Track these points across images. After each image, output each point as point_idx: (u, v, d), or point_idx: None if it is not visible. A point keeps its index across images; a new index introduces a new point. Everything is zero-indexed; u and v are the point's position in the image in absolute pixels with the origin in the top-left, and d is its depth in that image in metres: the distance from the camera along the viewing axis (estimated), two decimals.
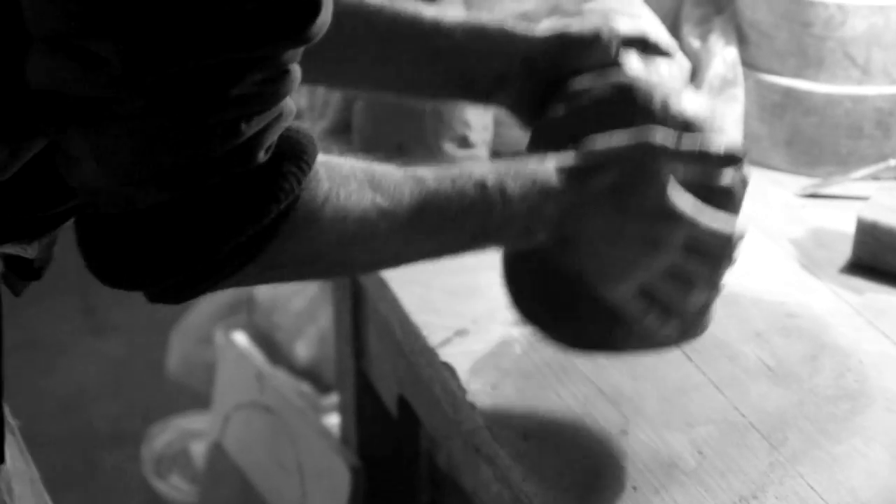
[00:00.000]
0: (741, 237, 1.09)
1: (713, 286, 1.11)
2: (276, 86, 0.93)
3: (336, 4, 1.05)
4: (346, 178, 1.01)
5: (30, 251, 1.10)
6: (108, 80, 0.89)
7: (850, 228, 1.47)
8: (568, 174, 1.07)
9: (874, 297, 1.40)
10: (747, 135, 1.67)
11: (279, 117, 0.95)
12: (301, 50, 0.94)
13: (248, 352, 2.31)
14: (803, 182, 1.63)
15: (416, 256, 1.09)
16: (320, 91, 1.70)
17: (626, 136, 1.08)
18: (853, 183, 1.61)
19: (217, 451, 2.32)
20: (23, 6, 0.90)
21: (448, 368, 1.29)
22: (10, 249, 1.09)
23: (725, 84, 1.65)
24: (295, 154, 0.96)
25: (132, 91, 0.89)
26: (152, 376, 2.89)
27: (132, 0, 0.87)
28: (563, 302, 1.14)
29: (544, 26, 1.22)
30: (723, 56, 1.66)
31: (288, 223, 0.97)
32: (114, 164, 0.92)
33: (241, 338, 2.37)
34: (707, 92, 1.65)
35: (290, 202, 0.96)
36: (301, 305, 2.51)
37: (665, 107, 1.12)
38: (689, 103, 1.13)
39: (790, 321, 1.36)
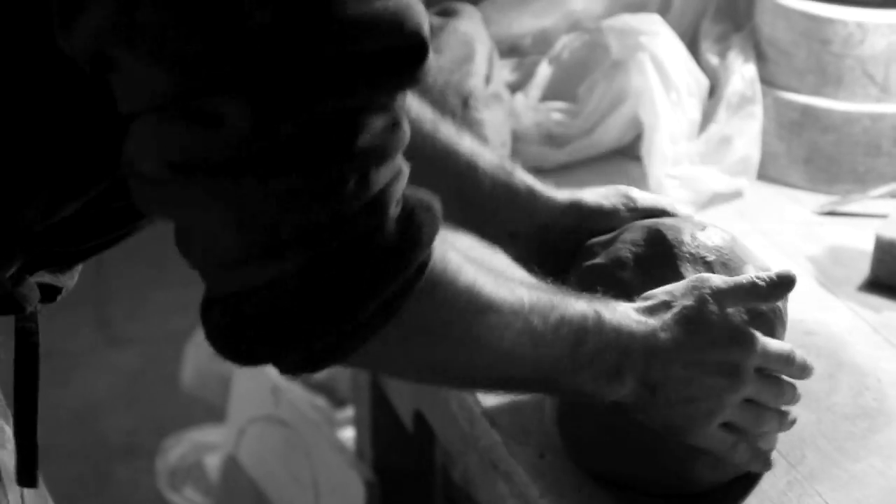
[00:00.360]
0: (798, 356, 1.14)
1: (784, 405, 1.15)
2: (394, 135, 0.92)
3: None
4: (470, 258, 1.01)
5: (62, 279, 1.11)
6: (237, 139, 0.87)
7: (868, 246, 1.47)
8: (643, 312, 1.10)
9: (892, 315, 1.40)
10: (765, 152, 1.67)
11: (400, 172, 0.93)
12: (406, 100, 0.93)
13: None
14: (821, 199, 1.63)
15: (522, 367, 1.06)
16: None
17: (681, 285, 1.11)
18: (871, 201, 1.61)
19: (232, 465, 2.32)
20: (128, 78, 0.89)
21: None
22: (45, 278, 1.10)
23: (744, 101, 1.65)
24: (423, 205, 0.95)
25: (262, 148, 0.87)
26: (167, 389, 2.89)
27: (256, 54, 0.86)
28: (639, 453, 1.13)
29: (564, 195, 1.24)
30: (741, 73, 1.66)
31: (424, 279, 0.95)
32: (256, 230, 0.90)
33: None
34: (725, 109, 1.65)
35: (425, 260, 0.94)
36: None
37: (694, 244, 1.16)
38: (713, 238, 1.17)
39: (808, 339, 1.35)
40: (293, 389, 2.30)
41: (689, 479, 1.13)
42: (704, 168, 1.62)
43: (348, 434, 2.15)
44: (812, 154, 1.65)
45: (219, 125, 0.87)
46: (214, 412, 2.64)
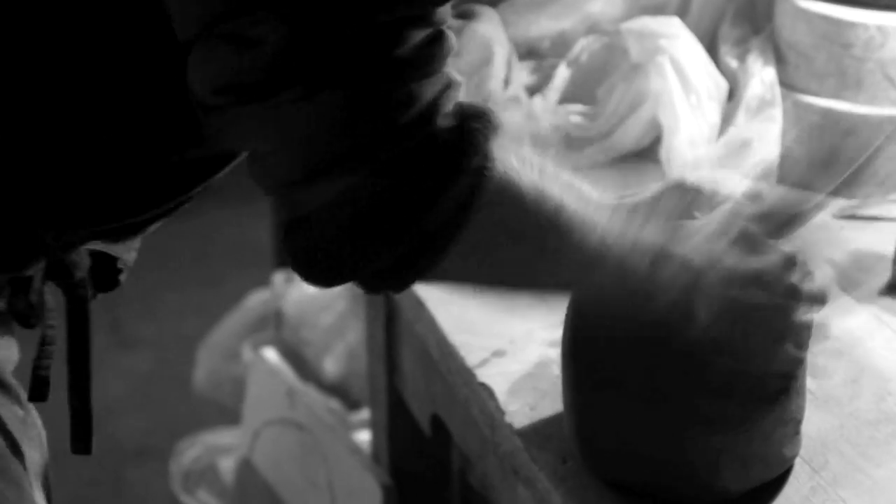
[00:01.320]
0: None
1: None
2: (436, 48, 0.93)
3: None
4: (535, 162, 1.00)
5: (117, 249, 1.12)
6: (274, 59, 0.89)
7: (890, 250, 1.46)
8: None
9: None
10: (785, 156, 1.66)
11: (449, 85, 0.94)
12: (448, 9, 0.94)
13: (278, 368, 2.31)
14: (841, 204, 1.62)
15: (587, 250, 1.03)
16: None
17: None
18: (892, 204, 1.60)
19: (246, 468, 2.32)
20: (174, 4, 0.91)
21: (486, 389, 1.29)
22: (97, 246, 1.11)
23: (763, 105, 1.64)
24: (476, 115, 0.95)
25: (300, 65, 0.89)
26: (179, 391, 2.89)
27: None
28: (660, 464, 1.12)
29: None
30: (761, 77, 1.65)
31: (486, 186, 0.95)
32: (309, 149, 0.92)
33: (271, 354, 2.37)
34: (744, 112, 1.65)
35: (483, 163, 0.94)
36: (329, 321, 2.51)
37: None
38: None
39: (830, 344, 1.34)
40: (308, 392, 2.29)
41: (713, 488, 1.12)
42: (724, 172, 1.61)
43: (364, 437, 2.14)
44: (832, 158, 1.64)
45: (255, 46, 0.88)
46: (227, 414, 2.64)
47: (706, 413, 1.09)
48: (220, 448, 2.64)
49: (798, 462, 1.18)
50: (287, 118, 0.90)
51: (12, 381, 1.18)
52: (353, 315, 2.46)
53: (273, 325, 2.67)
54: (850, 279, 1.47)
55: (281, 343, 2.55)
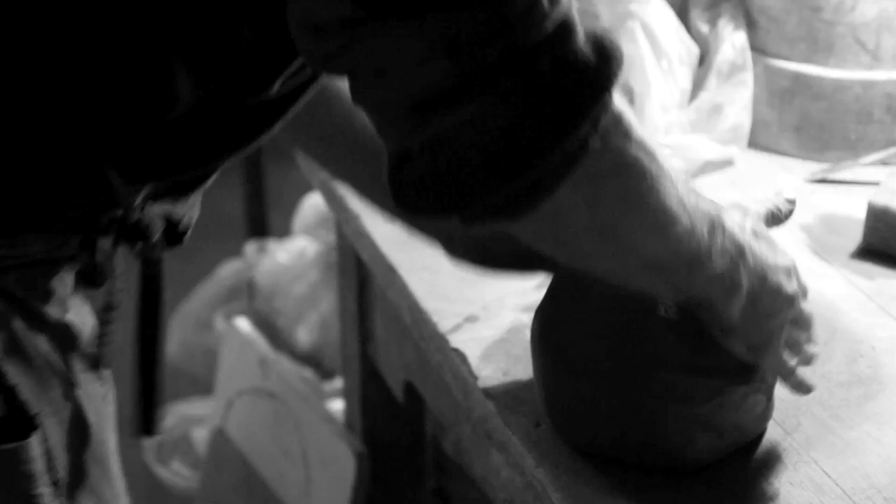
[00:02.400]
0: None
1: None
2: None
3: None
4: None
5: (179, 209, 1.10)
6: None
7: (861, 214, 1.46)
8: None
9: (885, 282, 1.40)
10: (756, 120, 1.66)
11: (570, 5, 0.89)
12: None
13: (251, 338, 2.31)
14: (812, 167, 1.63)
15: (675, 236, 0.99)
16: None
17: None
18: (863, 168, 1.60)
19: (220, 437, 2.31)
20: None
21: (459, 354, 1.28)
22: (164, 207, 1.09)
23: (734, 69, 1.64)
24: (610, 43, 0.89)
25: None
26: None
27: None
28: (633, 438, 1.12)
29: None
30: (731, 41, 1.65)
31: (607, 119, 0.90)
32: (463, 58, 0.85)
33: (243, 324, 2.36)
34: (716, 77, 1.64)
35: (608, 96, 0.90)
36: (302, 290, 2.51)
37: None
38: None
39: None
40: (281, 361, 2.29)
41: (687, 458, 1.13)
42: (695, 136, 1.61)
43: (337, 406, 2.14)
44: (803, 122, 1.65)
45: None
46: (200, 385, 2.63)
47: (676, 389, 1.09)
48: (193, 418, 2.63)
49: (771, 424, 1.18)
50: (443, 27, 0.84)
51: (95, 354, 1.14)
52: (325, 284, 2.46)
53: (245, 295, 2.66)
54: (822, 242, 1.47)
55: (253, 313, 2.55)
